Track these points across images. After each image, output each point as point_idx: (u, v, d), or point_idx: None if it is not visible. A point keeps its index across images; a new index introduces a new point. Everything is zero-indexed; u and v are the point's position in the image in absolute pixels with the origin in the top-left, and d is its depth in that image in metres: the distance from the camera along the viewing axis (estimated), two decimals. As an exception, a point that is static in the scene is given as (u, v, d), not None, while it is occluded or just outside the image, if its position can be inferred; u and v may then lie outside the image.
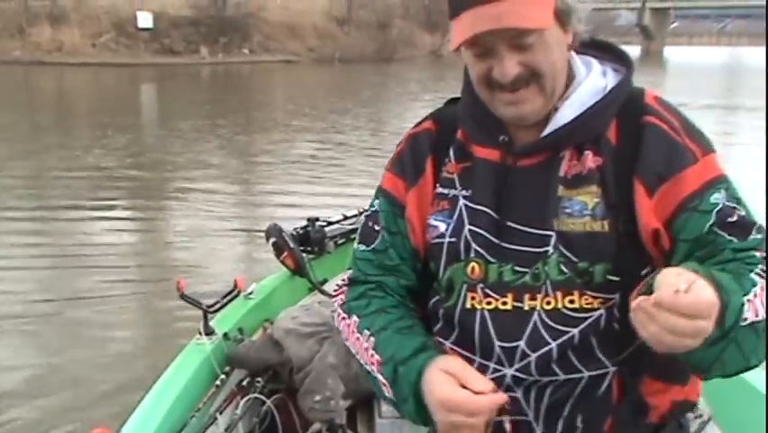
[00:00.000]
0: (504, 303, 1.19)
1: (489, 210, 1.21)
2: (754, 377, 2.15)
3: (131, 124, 16.30)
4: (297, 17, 43.72)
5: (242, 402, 2.53)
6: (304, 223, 3.43)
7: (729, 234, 1.14)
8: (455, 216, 1.24)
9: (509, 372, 1.20)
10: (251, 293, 3.01)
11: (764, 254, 1.13)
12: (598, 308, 1.16)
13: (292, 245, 3.19)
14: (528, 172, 1.20)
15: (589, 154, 1.18)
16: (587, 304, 1.16)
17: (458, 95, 1.33)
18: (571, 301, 1.16)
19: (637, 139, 1.17)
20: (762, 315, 1.05)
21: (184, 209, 8.88)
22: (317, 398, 2.59)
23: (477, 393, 1.08)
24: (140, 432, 2.08)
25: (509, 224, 1.20)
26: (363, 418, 2.75)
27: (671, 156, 1.16)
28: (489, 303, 1.20)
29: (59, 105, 21.55)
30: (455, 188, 1.26)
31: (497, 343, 1.19)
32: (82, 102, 22.82)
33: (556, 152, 1.20)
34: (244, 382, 2.63)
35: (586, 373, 1.17)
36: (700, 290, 0.95)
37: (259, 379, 2.64)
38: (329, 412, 2.56)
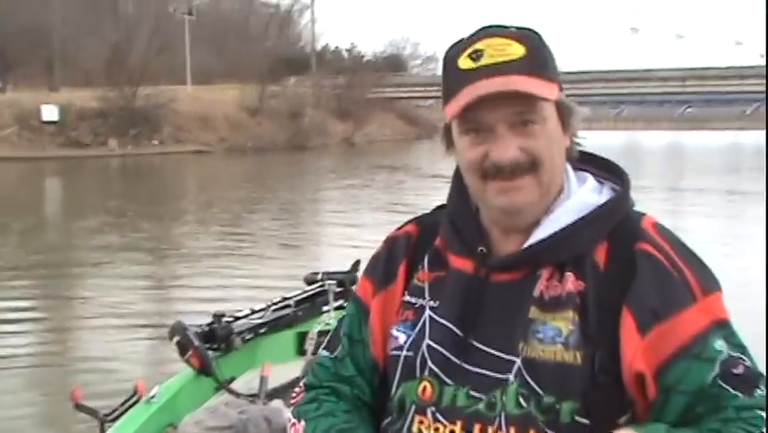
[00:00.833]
0: (452, 432, 1.08)
1: (452, 326, 1.12)
2: None
3: (32, 221, 15.68)
4: (209, 107, 43.81)
5: None
6: (209, 319, 3.34)
7: (734, 389, 1.02)
8: (417, 329, 1.15)
9: None
10: (153, 397, 2.87)
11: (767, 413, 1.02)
12: None
13: (197, 343, 3.08)
14: (502, 289, 1.12)
15: (570, 276, 1.08)
16: None
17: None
18: None
19: (629, 267, 1.07)
20: None
21: (88, 306, 8.51)
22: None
23: None
24: None
25: (474, 343, 1.10)
26: None
27: (667, 292, 1.05)
28: (436, 429, 1.09)
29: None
30: (423, 298, 1.17)
31: None
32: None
33: (534, 270, 1.10)
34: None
35: None
36: None
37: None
38: None
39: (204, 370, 3.06)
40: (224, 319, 3.35)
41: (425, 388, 1.11)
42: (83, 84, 40.21)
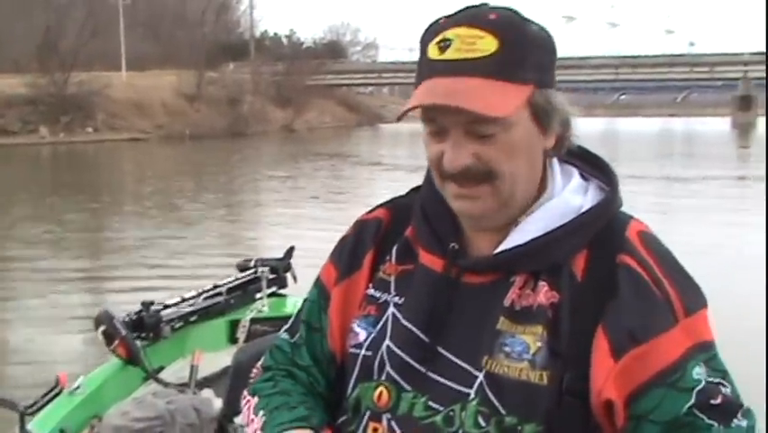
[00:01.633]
0: None
1: (416, 329, 1.04)
2: None
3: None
4: (145, 94, 42.80)
5: None
6: (138, 308, 3.26)
7: (710, 419, 0.95)
8: (379, 327, 1.08)
9: None
10: (77, 388, 2.79)
11: None
12: None
13: (123, 332, 3.00)
14: (473, 293, 1.03)
15: (544, 286, 1.00)
16: None
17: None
18: None
19: (608, 281, 0.98)
20: None
21: (14, 300, 8.25)
22: (152, 497, 2.41)
23: None
24: None
25: (439, 349, 1.03)
26: None
27: (647, 313, 0.97)
28: None
29: None
30: (389, 293, 1.09)
31: None
32: None
33: (507, 276, 1.02)
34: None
35: None
36: None
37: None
38: None
39: (131, 359, 2.99)
40: (153, 308, 3.27)
41: (381, 393, 1.05)
42: (12, 70, 38.73)
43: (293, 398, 1.12)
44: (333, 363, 1.14)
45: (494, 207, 1.02)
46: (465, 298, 1.04)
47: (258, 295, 3.78)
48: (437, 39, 1.00)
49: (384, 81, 70.11)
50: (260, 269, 3.80)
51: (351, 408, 1.08)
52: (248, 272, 3.85)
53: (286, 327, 1.23)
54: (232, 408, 2.59)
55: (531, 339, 0.99)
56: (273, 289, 3.89)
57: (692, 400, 0.95)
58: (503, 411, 0.97)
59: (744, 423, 0.97)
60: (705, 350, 0.98)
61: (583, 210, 1.04)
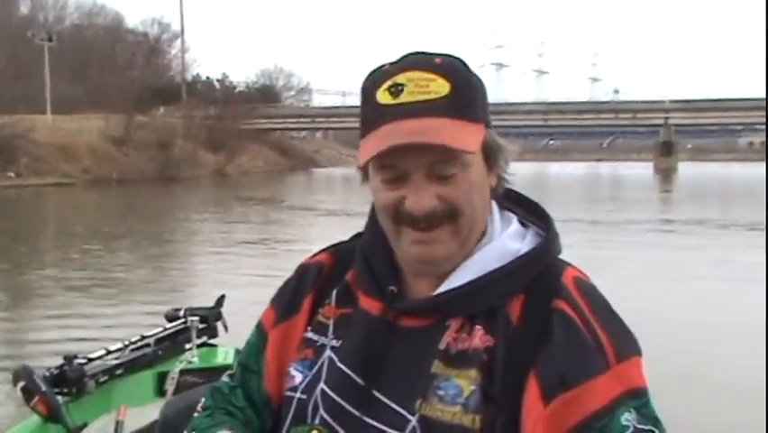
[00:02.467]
0: None
1: (352, 373, 1.04)
2: None
3: None
4: (71, 138, 41.91)
5: None
6: (60, 362, 3.13)
7: None
8: (315, 369, 1.07)
9: None
10: (-8, 449, 2.64)
11: None
12: None
13: (44, 388, 2.86)
14: (409, 336, 1.03)
15: (479, 330, 1.00)
16: None
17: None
18: None
19: (542, 327, 0.99)
20: None
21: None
22: None
23: None
24: None
25: (376, 393, 1.02)
26: None
27: (578, 358, 0.97)
28: None
29: None
30: (326, 336, 1.09)
31: None
32: None
33: (443, 319, 1.02)
34: None
35: None
36: None
37: None
38: None
39: (52, 417, 2.85)
40: (76, 361, 3.13)
41: None
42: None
43: (230, 424, 1.11)
44: (269, 406, 1.13)
45: (452, 250, 1.02)
46: (402, 341, 1.03)
47: (187, 345, 3.68)
48: (387, 84, 1.01)
49: (318, 126, 70.51)
50: (189, 318, 3.71)
51: None
52: (177, 322, 3.75)
53: (227, 373, 1.23)
54: (159, 464, 2.50)
55: (465, 383, 0.99)
56: (203, 339, 3.80)
57: None
58: None
59: None
60: (636, 397, 0.97)
61: (520, 255, 1.04)
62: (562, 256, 1.09)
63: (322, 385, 1.06)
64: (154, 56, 64.28)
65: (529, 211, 1.12)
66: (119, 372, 3.37)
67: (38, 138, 39.90)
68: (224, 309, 3.99)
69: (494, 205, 1.09)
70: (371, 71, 1.05)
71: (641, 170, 56.39)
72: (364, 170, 1.06)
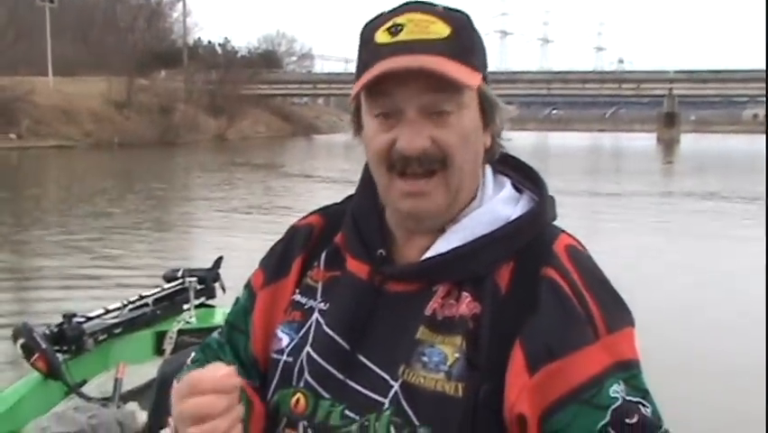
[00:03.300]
0: None
1: (338, 337, 1.03)
2: None
3: None
4: (72, 101, 41.66)
5: None
6: (59, 320, 3.17)
7: None
8: (302, 332, 1.06)
9: None
10: (-7, 403, 2.69)
11: None
12: None
13: (44, 345, 2.92)
14: (396, 300, 1.02)
15: (466, 296, 0.98)
16: None
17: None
18: None
19: (531, 295, 0.96)
20: None
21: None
22: None
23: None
24: None
25: (361, 358, 1.01)
26: None
27: (566, 328, 0.94)
28: None
29: None
30: (315, 300, 1.07)
31: None
32: None
33: (430, 285, 1.00)
34: None
35: None
36: None
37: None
38: None
39: (51, 373, 2.91)
40: (75, 320, 3.19)
41: (298, 400, 1.03)
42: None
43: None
44: (256, 367, 1.12)
45: (442, 204, 1.00)
46: (388, 306, 1.02)
47: (185, 306, 3.73)
48: (388, 25, 0.99)
49: (319, 92, 70.07)
50: (187, 279, 3.75)
51: (270, 413, 1.07)
52: (175, 283, 3.79)
53: (218, 331, 1.22)
54: (157, 420, 2.55)
55: (449, 350, 0.97)
56: (201, 299, 3.84)
57: (607, 418, 0.92)
58: (416, 422, 0.95)
59: None
60: (626, 369, 0.95)
61: (511, 220, 1.02)
62: (558, 225, 1.07)
63: (308, 348, 1.04)
64: (156, 19, 63.66)
65: (524, 176, 1.09)
66: (118, 330, 3.42)
67: (39, 100, 39.65)
68: (222, 271, 4.03)
69: (488, 169, 1.07)
70: (370, 19, 1.03)
71: (643, 142, 56.11)
72: (357, 117, 1.04)
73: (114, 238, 12.51)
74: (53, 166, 30.34)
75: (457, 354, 0.96)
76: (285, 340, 1.07)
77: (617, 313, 0.98)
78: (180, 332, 3.50)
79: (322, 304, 1.07)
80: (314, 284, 1.09)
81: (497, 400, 0.94)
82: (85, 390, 3.05)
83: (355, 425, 0.98)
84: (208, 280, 3.87)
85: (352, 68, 1.05)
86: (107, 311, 3.43)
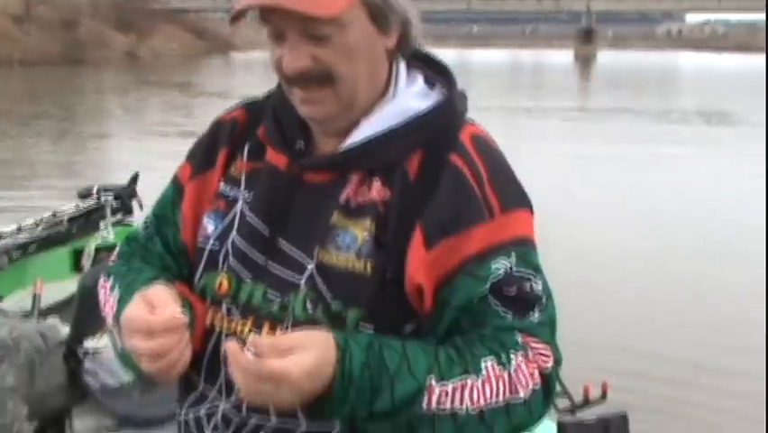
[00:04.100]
0: (242, 327, 1.06)
1: (259, 222, 1.08)
2: None
3: None
4: (-35, 14, 38.94)
5: None
6: (-30, 238, 3.12)
7: (504, 308, 1.01)
8: (227, 220, 1.11)
9: (223, 406, 1.08)
10: None
11: (532, 341, 1.01)
12: None
13: (-45, 264, 2.87)
14: (313, 189, 1.07)
15: (377, 184, 1.05)
16: None
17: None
18: None
19: (434, 179, 1.03)
20: (468, 405, 0.96)
21: None
22: (-3, 425, 2.38)
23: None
24: None
25: (280, 242, 1.07)
26: (55, 437, 2.58)
27: (461, 208, 1.02)
28: (229, 324, 1.08)
29: None
30: (238, 189, 1.12)
31: (223, 369, 1.06)
32: None
33: (344, 174, 1.06)
34: None
35: (304, 426, 1.03)
36: (273, 360, 0.89)
37: None
38: (13, 438, 2.37)
39: (-35, 291, 2.87)
40: (-13, 238, 3.14)
41: (221, 282, 1.09)
42: None
43: (144, 273, 1.15)
44: (185, 255, 1.17)
45: (336, 111, 1.04)
46: (305, 194, 1.08)
47: (102, 223, 3.70)
48: None
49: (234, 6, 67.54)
50: (102, 196, 3.71)
51: (199, 296, 1.12)
52: (90, 200, 3.75)
53: (143, 223, 1.25)
54: (80, 331, 2.58)
55: (360, 232, 1.04)
56: (118, 216, 3.81)
57: (486, 288, 1.00)
58: (329, 298, 1.03)
59: (536, 317, 1.02)
60: (517, 245, 1.02)
61: (420, 112, 1.07)
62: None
63: (234, 234, 1.10)
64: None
65: (438, 72, 1.13)
66: (32, 248, 3.39)
67: (-72, 14, 36.90)
68: (139, 190, 3.99)
69: (402, 64, 1.10)
70: None
71: (562, 59, 56.88)
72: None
73: (22, 158, 12.05)
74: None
75: (366, 236, 1.03)
76: (210, 228, 1.12)
77: (513, 196, 1.06)
78: (98, 249, 3.49)
79: (245, 193, 1.12)
80: (237, 175, 1.14)
81: (400, 275, 1.02)
82: (1, 307, 3.03)
83: (276, 304, 1.05)
84: (125, 196, 3.83)
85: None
86: (20, 229, 3.38)
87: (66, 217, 3.61)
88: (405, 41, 1.08)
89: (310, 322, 1.01)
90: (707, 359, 4.78)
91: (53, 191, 8.78)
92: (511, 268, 1.01)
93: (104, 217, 3.71)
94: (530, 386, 1.00)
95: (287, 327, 1.03)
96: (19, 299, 3.22)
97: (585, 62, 53.78)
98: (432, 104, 1.08)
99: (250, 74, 33.72)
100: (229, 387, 1.06)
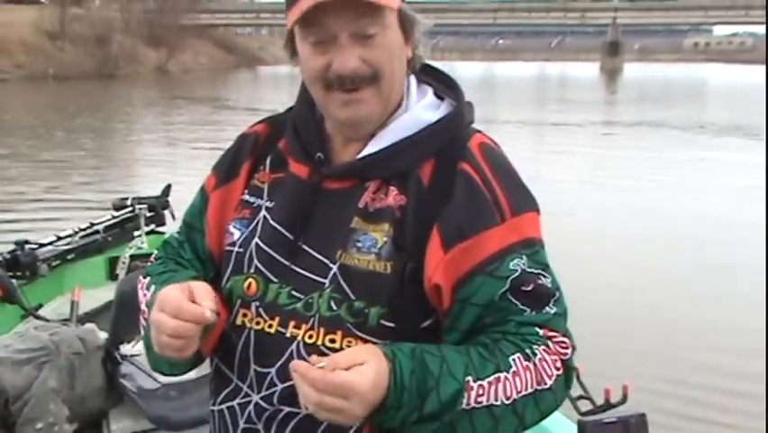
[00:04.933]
0: (270, 326, 1.14)
1: (283, 228, 1.16)
2: None
3: None
4: (1, 30, 39.77)
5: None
6: (11, 247, 3.24)
7: (522, 304, 1.09)
8: (251, 227, 1.19)
9: (255, 398, 1.15)
10: (-49, 326, 2.77)
11: (552, 334, 1.10)
12: None
13: (-2, 272, 2.99)
14: (333, 196, 1.16)
15: (393, 190, 1.13)
16: (348, 346, 1.09)
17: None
18: (332, 340, 1.10)
19: (448, 185, 1.12)
20: (503, 398, 1.04)
21: None
22: (39, 426, 2.47)
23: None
24: None
25: (303, 246, 1.15)
26: (92, 439, 2.67)
27: (475, 213, 1.10)
28: (258, 323, 1.15)
29: None
30: (261, 198, 1.21)
31: (253, 366, 1.14)
32: None
33: (362, 182, 1.15)
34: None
35: None
36: (341, 371, 0.95)
37: (-33, 417, 2.45)
38: (53, 438, 2.46)
39: (7, 297, 2.98)
40: (28, 247, 3.26)
41: (250, 284, 1.16)
42: None
43: (183, 273, 1.24)
44: (212, 260, 1.26)
45: (376, 110, 1.13)
46: (326, 201, 1.16)
47: (136, 232, 3.81)
48: None
49: (263, 22, 68.32)
50: (137, 207, 3.82)
51: (224, 299, 1.19)
52: (125, 211, 3.86)
53: (178, 229, 1.35)
54: (118, 335, 2.68)
55: (379, 235, 1.12)
56: (151, 226, 3.93)
57: (506, 286, 1.09)
58: (353, 297, 1.10)
59: (552, 310, 1.11)
60: (528, 246, 1.11)
61: (431, 123, 1.16)
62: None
63: (257, 240, 1.18)
64: (87, -56, 60.56)
65: (447, 86, 1.22)
66: (70, 256, 3.51)
67: (-34, 31, 37.81)
68: (171, 199, 4.10)
69: (412, 79, 1.20)
70: None
71: (588, 71, 56.63)
72: (291, 44, 1.16)
73: (59, 168, 12.30)
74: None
75: (385, 239, 1.11)
76: (236, 234, 1.21)
77: (522, 199, 1.14)
78: (132, 257, 3.60)
79: (268, 202, 1.20)
80: (260, 185, 1.22)
81: (419, 275, 1.10)
82: (41, 313, 3.13)
83: (301, 303, 1.13)
84: (158, 207, 3.94)
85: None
86: (59, 238, 3.50)
87: (102, 227, 3.73)
88: (415, 55, 1.17)
89: (334, 319, 1.10)
90: (727, 363, 4.80)
91: (89, 203, 8.98)
92: (525, 266, 1.10)
93: (138, 227, 3.82)
94: (554, 374, 1.09)
95: (312, 326, 1.11)
96: (57, 306, 3.33)
97: (611, 75, 53.52)
98: (442, 115, 1.17)
99: (277, 88, 34.06)
100: (259, 381, 1.14)
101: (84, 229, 3.67)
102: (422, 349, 1.04)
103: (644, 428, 1.48)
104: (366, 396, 0.97)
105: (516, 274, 1.09)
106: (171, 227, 3.93)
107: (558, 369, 1.09)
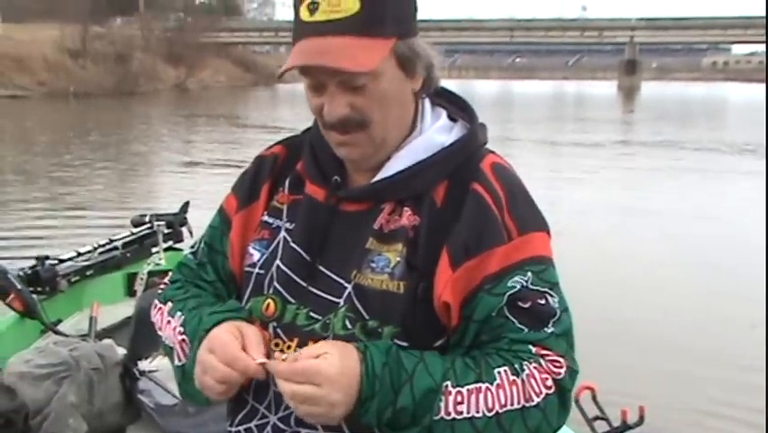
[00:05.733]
0: (288, 347, 1.15)
1: (301, 250, 1.19)
2: None
3: None
4: (24, 48, 40.40)
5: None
6: (32, 262, 3.28)
7: (520, 322, 1.10)
8: (271, 248, 1.22)
9: (273, 420, 1.17)
10: (-28, 342, 2.80)
11: (546, 352, 1.10)
12: None
13: (19, 286, 3.02)
14: (349, 218, 1.18)
15: (407, 211, 1.15)
16: None
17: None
18: None
19: (459, 206, 1.14)
20: (484, 410, 1.05)
21: None
22: (58, 440, 2.49)
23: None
24: None
25: (321, 267, 1.17)
26: (110, 454, 2.68)
27: (482, 232, 1.12)
28: (276, 344, 1.17)
29: None
30: (281, 220, 1.23)
31: (272, 387, 1.14)
32: None
33: (377, 204, 1.17)
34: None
35: None
36: (305, 359, 1.02)
37: (-13, 430, 2.47)
38: (72, 453, 2.47)
39: (28, 312, 3.02)
40: (48, 262, 3.30)
41: (268, 305, 1.18)
42: None
43: (207, 299, 1.26)
44: (234, 282, 1.27)
45: (369, 152, 1.16)
46: (342, 223, 1.18)
47: (154, 249, 3.84)
48: (307, 1, 1.11)
49: (281, 40, 68.82)
50: (155, 223, 3.86)
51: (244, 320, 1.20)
52: (143, 227, 3.90)
53: (190, 249, 1.36)
54: (136, 351, 2.70)
55: (393, 255, 1.14)
56: (170, 243, 3.96)
57: (503, 302, 1.10)
58: (366, 316, 1.12)
59: (550, 330, 1.10)
60: (536, 263, 1.12)
61: (445, 146, 1.18)
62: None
63: (277, 262, 1.20)
64: (109, -37, 61.54)
65: (460, 108, 1.24)
66: (90, 272, 3.54)
67: (-11, 48, 38.43)
68: (189, 216, 4.13)
69: (426, 102, 1.22)
70: None
71: (605, 90, 56.51)
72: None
73: (78, 186, 12.43)
74: (8, 114, 29.59)
75: (399, 258, 1.14)
76: (256, 255, 1.23)
77: (531, 219, 1.16)
78: (151, 273, 3.62)
79: (288, 223, 1.22)
80: (280, 206, 1.24)
81: (430, 294, 1.12)
82: (60, 328, 3.16)
83: (318, 324, 1.15)
84: (176, 224, 3.98)
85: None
86: (79, 254, 3.54)
87: (120, 244, 3.77)
88: (428, 81, 1.19)
89: (348, 338, 1.11)
90: (747, 381, 4.75)
91: (108, 220, 9.05)
92: (527, 284, 1.11)
93: (156, 244, 3.85)
94: (543, 392, 1.08)
95: None
96: (76, 322, 3.36)
97: (629, 93, 53.35)
98: (456, 138, 1.19)
99: (294, 106, 34.28)
100: (277, 403, 1.15)
101: (103, 245, 3.71)
102: (400, 348, 1.08)
103: None
104: (337, 380, 1.01)
105: (515, 291, 1.10)
106: (189, 244, 3.96)
107: (549, 387, 1.09)
